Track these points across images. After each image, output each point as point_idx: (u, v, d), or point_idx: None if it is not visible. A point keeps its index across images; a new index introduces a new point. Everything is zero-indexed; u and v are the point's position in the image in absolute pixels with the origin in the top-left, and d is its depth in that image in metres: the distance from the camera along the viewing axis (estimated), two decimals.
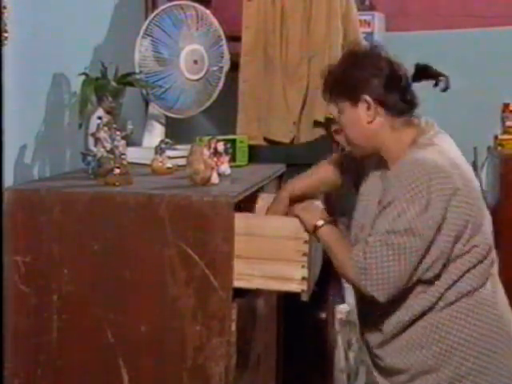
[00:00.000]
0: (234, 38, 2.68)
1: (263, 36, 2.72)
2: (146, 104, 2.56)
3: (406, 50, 4.04)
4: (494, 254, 1.88)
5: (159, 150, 2.10)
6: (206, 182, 1.88)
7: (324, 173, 2.11)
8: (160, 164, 2.09)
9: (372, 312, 1.86)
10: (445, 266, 1.78)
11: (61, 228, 1.81)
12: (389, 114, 1.83)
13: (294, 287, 1.80)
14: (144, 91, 2.43)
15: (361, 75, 1.82)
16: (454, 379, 1.80)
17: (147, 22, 2.39)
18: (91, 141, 1.97)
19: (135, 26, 2.43)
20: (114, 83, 2.04)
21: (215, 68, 2.50)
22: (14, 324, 1.83)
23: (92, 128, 1.99)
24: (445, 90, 1.87)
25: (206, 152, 1.89)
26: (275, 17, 2.71)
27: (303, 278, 1.79)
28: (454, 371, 1.80)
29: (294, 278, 1.79)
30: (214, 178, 1.91)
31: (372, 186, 1.93)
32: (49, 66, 2.07)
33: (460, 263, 1.79)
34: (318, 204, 1.96)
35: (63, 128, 2.16)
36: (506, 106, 3.98)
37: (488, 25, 4.02)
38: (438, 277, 1.78)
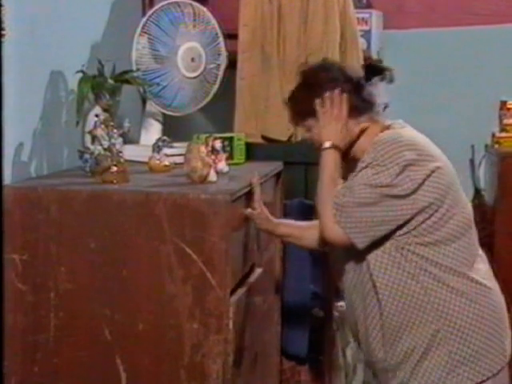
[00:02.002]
0: (231, 36, 2.67)
1: (260, 34, 2.71)
2: (144, 102, 2.56)
3: (403, 48, 4.08)
4: (474, 236, 1.91)
5: (156, 148, 2.10)
6: (204, 179, 1.88)
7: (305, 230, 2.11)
8: (157, 162, 2.09)
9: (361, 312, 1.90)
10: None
11: (58, 226, 1.80)
12: (351, 116, 1.91)
13: None
14: (141, 89, 2.43)
15: (316, 90, 1.92)
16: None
17: (144, 19, 2.39)
18: (88, 138, 1.97)
19: (132, 24, 2.43)
20: (111, 81, 2.03)
21: (212, 66, 2.50)
22: (11, 322, 1.83)
23: (89, 126, 1.99)
24: (391, 82, 1.99)
25: (204, 150, 1.89)
26: (272, 14, 2.70)
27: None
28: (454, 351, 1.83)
29: None
30: (212, 176, 1.91)
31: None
32: (46, 63, 2.07)
33: (438, 233, 1.83)
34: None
35: (60, 126, 2.16)
36: (504, 103, 3.98)
37: (485, 22, 4.02)
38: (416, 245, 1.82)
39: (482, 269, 1.90)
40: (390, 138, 1.84)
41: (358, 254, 1.87)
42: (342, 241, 1.84)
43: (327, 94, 1.89)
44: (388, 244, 1.83)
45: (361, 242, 1.82)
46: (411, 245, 1.83)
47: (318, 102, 1.89)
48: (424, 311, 1.83)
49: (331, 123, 1.90)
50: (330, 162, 1.90)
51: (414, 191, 1.79)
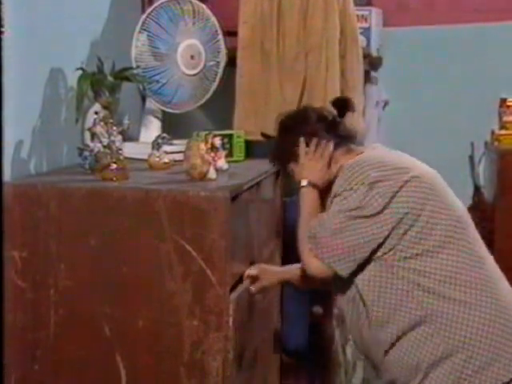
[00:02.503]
0: (230, 33, 2.67)
1: (260, 31, 2.71)
2: (143, 99, 2.56)
3: (403, 45, 4.08)
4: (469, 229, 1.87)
5: (156, 145, 2.10)
6: (203, 176, 1.88)
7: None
8: (157, 159, 2.09)
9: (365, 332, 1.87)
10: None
11: (58, 223, 1.80)
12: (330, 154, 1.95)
13: None
14: (141, 86, 2.43)
15: (291, 134, 1.98)
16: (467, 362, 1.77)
17: (144, 16, 2.39)
18: (88, 136, 1.97)
19: (132, 21, 2.43)
20: (110, 78, 2.03)
21: (212, 63, 2.50)
22: (11, 319, 1.82)
23: (89, 123, 1.99)
24: (353, 110, 2.05)
25: (203, 147, 1.89)
26: (272, 12, 2.70)
27: None
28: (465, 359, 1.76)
29: None
30: (211, 173, 1.90)
31: None
32: (45, 61, 2.07)
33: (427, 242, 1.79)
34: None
35: (60, 123, 2.16)
36: (504, 101, 3.98)
37: (485, 20, 4.02)
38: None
39: (486, 271, 1.82)
40: (355, 163, 1.85)
41: (347, 281, 1.84)
42: (325, 273, 1.83)
43: (312, 141, 1.94)
44: (377, 266, 1.80)
45: (343, 270, 1.80)
46: (400, 261, 1.79)
47: (300, 142, 1.95)
48: (424, 326, 1.78)
49: (311, 163, 1.94)
50: (307, 199, 1.94)
51: (386, 206, 1.78)
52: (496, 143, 3.90)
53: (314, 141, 1.95)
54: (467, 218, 1.88)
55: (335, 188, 1.86)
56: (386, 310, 1.80)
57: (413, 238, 1.78)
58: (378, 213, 1.78)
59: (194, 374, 1.76)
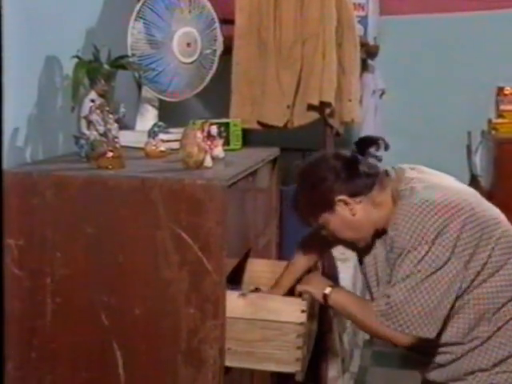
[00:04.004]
0: (227, 21, 2.66)
1: (257, 19, 2.70)
2: (139, 87, 2.55)
3: (400, 33, 4.07)
4: None
5: (152, 134, 2.09)
6: (200, 165, 1.88)
7: (312, 247, 2.12)
8: (153, 147, 2.09)
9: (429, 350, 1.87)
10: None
11: (54, 211, 1.80)
12: (363, 196, 1.86)
13: (289, 368, 1.80)
14: (137, 74, 2.42)
15: (322, 186, 1.86)
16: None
17: (139, 4, 2.38)
18: (84, 124, 1.96)
19: (128, 9, 2.42)
20: (106, 66, 2.02)
21: (208, 51, 2.49)
22: (8, 308, 1.82)
23: (85, 111, 1.98)
24: (386, 149, 1.90)
25: (200, 135, 1.88)
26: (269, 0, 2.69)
27: (298, 360, 1.80)
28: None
29: (289, 359, 1.79)
30: (208, 162, 1.90)
31: (372, 255, 1.94)
32: (41, 48, 2.06)
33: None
34: (317, 273, 2.04)
35: (56, 111, 2.15)
36: (501, 89, 3.98)
37: (483, 8, 4.02)
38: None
39: None
40: (409, 211, 1.78)
41: None
42: (418, 342, 1.79)
43: (338, 198, 1.84)
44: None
45: (431, 333, 1.77)
46: (469, 293, 1.81)
47: (336, 200, 1.85)
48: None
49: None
50: (343, 300, 1.90)
51: (451, 256, 1.75)
52: (493, 132, 3.90)
53: (349, 200, 1.85)
54: (508, 224, 1.89)
55: (397, 244, 1.78)
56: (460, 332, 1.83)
57: (478, 268, 1.79)
58: (445, 263, 1.75)
59: (191, 362, 1.76)
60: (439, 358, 1.88)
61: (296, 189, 1.94)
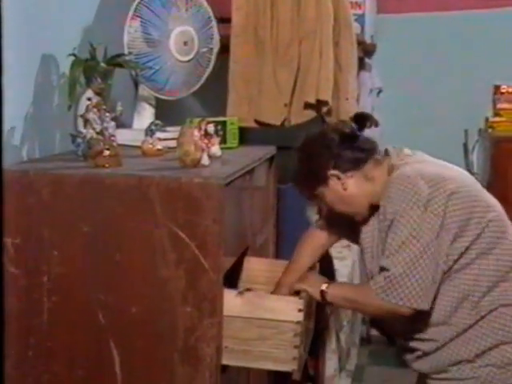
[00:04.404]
0: (224, 20, 2.66)
1: (254, 17, 2.70)
2: (136, 86, 2.54)
3: (397, 32, 4.07)
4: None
5: (149, 132, 2.09)
6: (197, 163, 1.88)
7: (313, 243, 2.14)
8: (150, 146, 2.08)
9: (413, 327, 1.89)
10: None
11: (50, 210, 1.80)
12: (356, 170, 1.90)
13: (286, 367, 1.80)
14: (133, 72, 2.42)
15: (316, 160, 1.92)
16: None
17: (136, 2, 2.37)
18: (80, 122, 1.96)
19: (124, 7, 2.41)
20: (103, 64, 2.02)
21: (205, 49, 2.49)
22: (5, 306, 1.82)
23: (81, 109, 1.98)
24: (377, 125, 1.98)
25: (197, 133, 1.88)
26: None
27: (294, 358, 1.80)
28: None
29: (286, 358, 1.79)
30: (205, 160, 1.90)
31: (370, 232, 1.96)
32: (37, 47, 2.06)
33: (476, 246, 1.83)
34: (313, 271, 2.06)
35: (52, 109, 2.15)
36: (497, 88, 3.99)
37: (479, 7, 4.02)
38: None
39: None
40: (399, 182, 1.82)
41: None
42: (415, 311, 1.81)
43: (331, 173, 1.89)
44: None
45: (428, 304, 1.80)
46: (456, 271, 1.83)
47: (329, 174, 1.90)
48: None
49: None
50: (340, 292, 1.92)
51: (441, 225, 1.79)
52: (490, 130, 3.91)
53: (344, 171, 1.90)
54: (505, 216, 1.91)
55: (389, 210, 1.82)
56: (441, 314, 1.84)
57: (466, 244, 1.82)
58: (438, 234, 1.78)
59: (188, 361, 1.76)
60: (423, 346, 1.90)
61: (294, 161, 2.00)
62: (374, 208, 1.92)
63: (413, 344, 1.92)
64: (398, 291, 1.78)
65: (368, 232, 1.96)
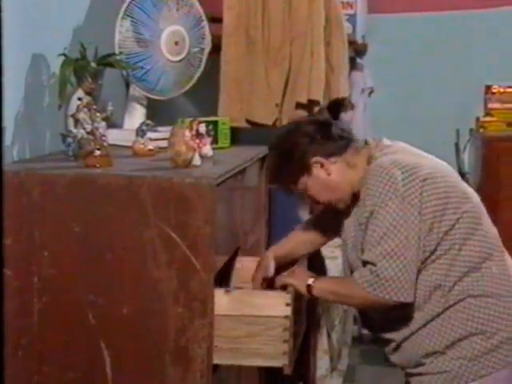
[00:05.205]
0: (215, 20, 2.66)
1: (245, 17, 2.70)
2: (127, 85, 2.54)
3: (389, 32, 4.07)
4: (486, 225, 1.92)
5: (140, 132, 2.09)
6: (188, 163, 1.87)
7: (304, 235, 2.17)
8: (141, 146, 2.08)
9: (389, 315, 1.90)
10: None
11: (41, 210, 1.79)
12: (337, 156, 1.93)
13: (276, 362, 1.80)
14: (124, 72, 2.41)
15: (297, 151, 1.93)
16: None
17: (127, 2, 2.37)
18: (71, 122, 1.95)
19: (115, 7, 2.41)
20: (93, 64, 2.02)
21: (196, 49, 2.48)
22: None
23: (72, 109, 1.97)
24: (352, 108, 2.02)
25: (188, 134, 1.88)
26: None
27: (285, 353, 1.80)
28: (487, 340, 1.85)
29: (276, 353, 1.79)
30: (196, 160, 1.90)
31: (351, 223, 1.96)
32: (28, 46, 2.05)
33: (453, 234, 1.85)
34: (301, 267, 2.06)
35: (43, 109, 2.14)
36: (489, 88, 3.99)
37: (470, 7, 4.03)
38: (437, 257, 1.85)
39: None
40: (377, 179, 1.84)
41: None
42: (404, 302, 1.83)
43: (313, 160, 1.91)
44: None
45: (412, 297, 1.82)
46: (430, 262, 1.85)
47: (312, 162, 1.91)
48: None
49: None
50: (325, 285, 1.94)
51: (419, 215, 1.81)
52: (481, 130, 3.92)
53: (323, 160, 1.92)
54: (481, 207, 1.93)
55: (368, 202, 1.84)
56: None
57: (441, 234, 1.83)
58: (416, 225, 1.81)
59: (179, 361, 1.76)
60: (397, 335, 1.91)
61: (272, 161, 2.03)
62: (355, 198, 1.93)
63: (387, 335, 1.94)
64: (384, 285, 1.79)
65: (349, 223, 1.97)
